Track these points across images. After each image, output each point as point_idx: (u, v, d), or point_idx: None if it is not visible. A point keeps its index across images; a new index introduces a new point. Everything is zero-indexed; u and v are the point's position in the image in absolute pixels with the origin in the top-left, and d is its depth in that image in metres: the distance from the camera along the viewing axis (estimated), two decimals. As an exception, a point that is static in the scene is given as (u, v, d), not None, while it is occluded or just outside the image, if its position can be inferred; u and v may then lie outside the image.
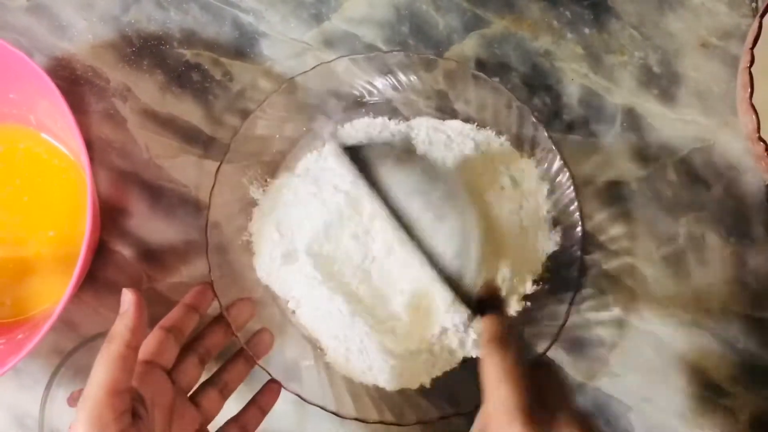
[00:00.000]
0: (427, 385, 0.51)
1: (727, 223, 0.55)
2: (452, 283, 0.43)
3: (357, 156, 0.44)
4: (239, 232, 0.54)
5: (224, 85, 0.58)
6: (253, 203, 0.54)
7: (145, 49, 0.58)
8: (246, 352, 0.51)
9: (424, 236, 0.43)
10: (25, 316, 0.54)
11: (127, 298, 0.43)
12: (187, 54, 0.58)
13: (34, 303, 0.55)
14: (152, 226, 0.57)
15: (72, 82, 0.58)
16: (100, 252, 0.56)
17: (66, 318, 0.56)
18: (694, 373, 0.54)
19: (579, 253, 0.50)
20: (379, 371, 0.50)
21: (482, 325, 0.41)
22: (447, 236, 0.44)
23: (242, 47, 0.58)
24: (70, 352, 0.52)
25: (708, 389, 0.54)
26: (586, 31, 0.57)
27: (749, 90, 0.47)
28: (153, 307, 0.56)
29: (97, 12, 0.58)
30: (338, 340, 0.51)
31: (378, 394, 0.51)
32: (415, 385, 0.51)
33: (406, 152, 0.51)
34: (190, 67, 0.58)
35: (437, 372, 0.51)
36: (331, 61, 0.53)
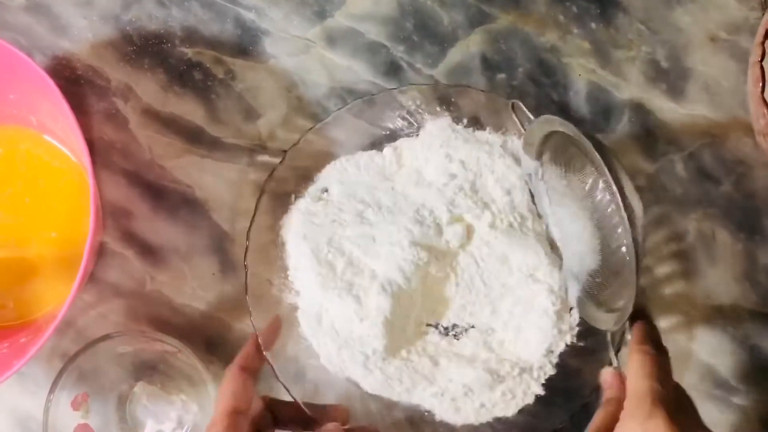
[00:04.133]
0: (542, 393, 0.50)
1: (737, 220, 0.54)
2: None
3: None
4: (296, 342, 0.52)
5: (227, 83, 0.57)
6: (293, 308, 0.53)
7: (146, 48, 0.57)
8: None
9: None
10: (27, 319, 0.54)
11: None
12: (189, 52, 0.57)
13: (37, 306, 0.54)
14: (155, 226, 0.56)
15: (72, 82, 0.57)
16: (102, 254, 0.56)
17: (69, 320, 0.55)
18: (704, 370, 0.54)
19: None
20: (492, 404, 0.49)
21: (634, 329, 0.43)
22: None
23: (244, 45, 0.57)
24: (74, 356, 0.51)
25: (719, 387, 0.53)
26: (593, 25, 0.56)
27: (761, 84, 0.47)
28: (156, 308, 0.55)
29: (98, 10, 0.58)
30: (440, 396, 0.50)
31: (501, 425, 0.50)
32: (531, 399, 0.50)
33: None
34: (192, 66, 0.57)
35: (543, 379, 0.50)
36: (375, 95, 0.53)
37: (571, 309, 0.50)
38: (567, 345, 0.50)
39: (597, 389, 0.50)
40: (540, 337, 0.50)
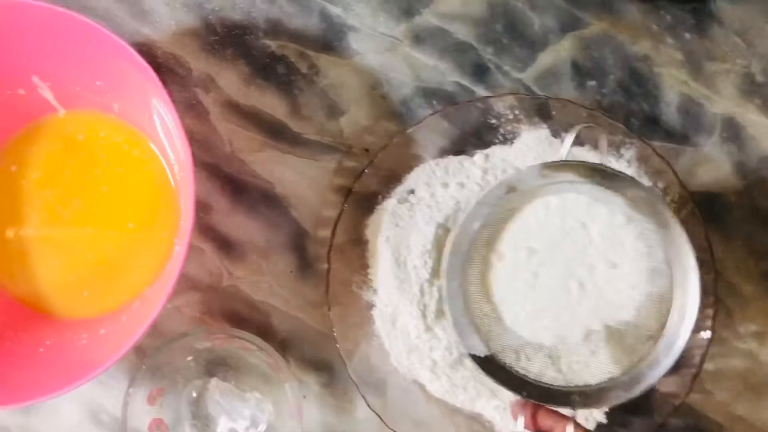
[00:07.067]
0: (604, 421, 0.51)
1: (829, 241, 0.54)
2: None
3: None
4: (369, 339, 0.53)
5: (310, 79, 0.56)
6: (369, 306, 0.53)
7: (228, 39, 0.56)
8: None
9: None
10: (105, 311, 0.53)
11: None
12: (273, 45, 0.56)
13: (114, 297, 0.53)
14: (234, 221, 0.55)
15: (153, 69, 0.56)
16: (179, 246, 0.55)
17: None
18: (786, 391, 0.53)
19: None
20: None
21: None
22: None
23: (329, 40, 0.56)
24: (154, 351, 0.50)
25: (801, 409, 0.53)
26: (687, 36, 0.55)
27: None
28: (232, 304, 0.55)
29: (180, -3, 0.57)
30: (502, 411, 0.51)
31: None
32: (592, 426, 0.51)
33: None
34: (276, 59, 0.56)
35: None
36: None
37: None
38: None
39: (676, 408, 0.50)
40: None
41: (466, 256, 0.46)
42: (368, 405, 0.50)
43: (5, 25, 0.47)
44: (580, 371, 0.47)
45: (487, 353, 0.45)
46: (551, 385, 0.45)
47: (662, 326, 0.45)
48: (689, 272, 0.44)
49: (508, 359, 0.46)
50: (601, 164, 0.44)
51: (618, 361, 0.46)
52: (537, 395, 0.44)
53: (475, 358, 0.45)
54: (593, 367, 0.46)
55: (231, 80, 0.56)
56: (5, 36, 0.48)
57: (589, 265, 0.47)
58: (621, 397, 0.44)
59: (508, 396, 0.51)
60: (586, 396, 0.44)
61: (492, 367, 0.45)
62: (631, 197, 0.44)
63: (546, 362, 0.47)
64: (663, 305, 0.45)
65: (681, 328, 0.44)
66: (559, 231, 0.47)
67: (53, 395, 0.44)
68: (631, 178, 0.44)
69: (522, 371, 0.46)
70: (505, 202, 0.46)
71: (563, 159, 0.45)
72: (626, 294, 0.46)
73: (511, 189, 0.45)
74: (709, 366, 0.53)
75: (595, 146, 0.52)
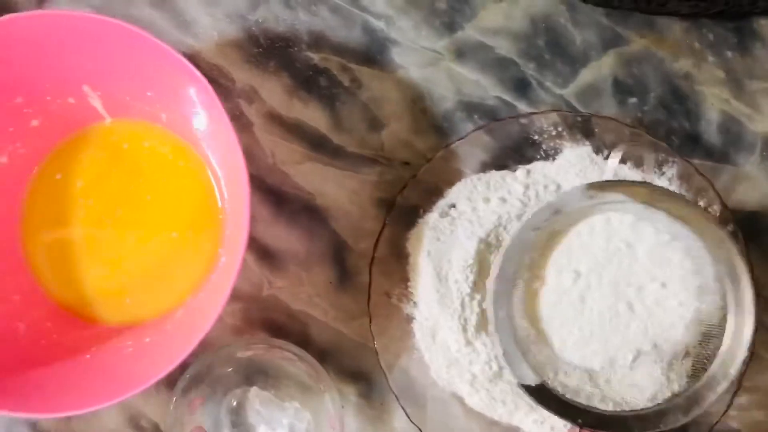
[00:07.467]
0: None
1: None
2: None
3: None
4: (409, 352, 0.53)
5: (352, 92, 0.56)
6: (409, 319, 0.53)
7: (272, 50, 0.57)
8: None
9: None
10: (147, 319, 0.54)
11: None
12: (315, 58, 0.57)
13: (156, 306, 0.54)
14: (274, 232, 0.56)
15: (197, 80, 0.56)
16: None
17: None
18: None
19: None
20: None
21: None
22: None
23: (372, 53, 0.56)
24: (195, 361, 0.51)
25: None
26: (729, 54, 0.55)
27: None
28: (272, 313, 0.55)
29: (224, 8, 0.57)
30: (540, 424, 0.51)
31: None
32: None
33: None
34: (318, 72, 0.56)
35: None
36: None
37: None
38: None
39: (712, 427, 0.50)
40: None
41: (511, 282, 0.46)
42: (408, 417, 0.51)
43: (58, 37, 0.48)
44: (620, 386, 0.47)
45: (538, 382, 0.45)
46: (605, 411, 0.45)
47: (714, 345, 0.45)
48: (744, 289, 0.44)
49: (547, 377, 0.46)
50: (656, 184, 0.45)
51: (665, 381, 0.46)
52: (592, 423, 0.44)
53: (526, 388, 0.45)
54: (639, 385, 0.47)
55: (274, 92, 0.56)
56: (58, 47, 0.49)
57: (638, 286, 0.47)
58: (680, 420, 0.44)
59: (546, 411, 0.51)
60: (643, 420, 0.44)
61: (544, 396, 0.45)
62: (679, 215, 0.45)
63: (583, 377, 0.48)
64: (713, 322, 0.46)
65: (738, 347, 0.44)
66: (604, 252, 0.47)
67: (102, 405, 0.44)
68: (684, 197, 0.44)
69: (560, 387, 0.46)
70: (548, 224, 0.46)
71: (611, 178, 0.46)
72: (676, 312, 0.47)
73: (556, 211, 0.45)
74: (745, 383, 0.53)
75: (637, 164, 0.52)
